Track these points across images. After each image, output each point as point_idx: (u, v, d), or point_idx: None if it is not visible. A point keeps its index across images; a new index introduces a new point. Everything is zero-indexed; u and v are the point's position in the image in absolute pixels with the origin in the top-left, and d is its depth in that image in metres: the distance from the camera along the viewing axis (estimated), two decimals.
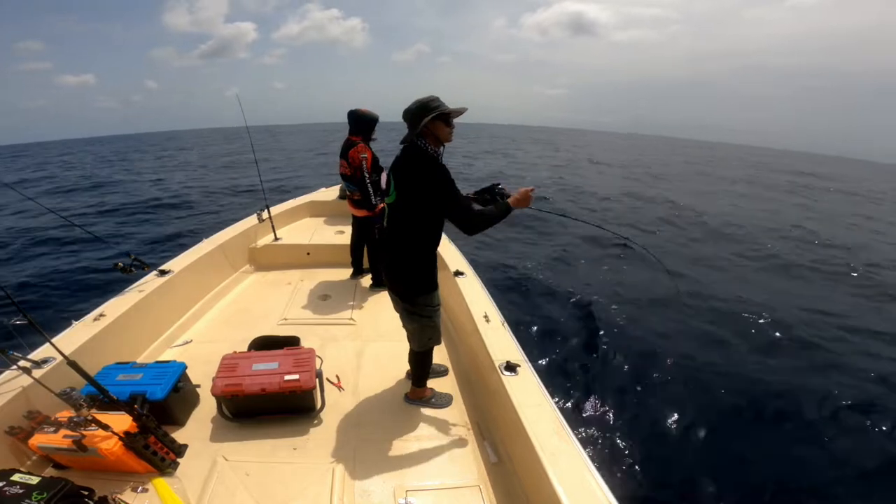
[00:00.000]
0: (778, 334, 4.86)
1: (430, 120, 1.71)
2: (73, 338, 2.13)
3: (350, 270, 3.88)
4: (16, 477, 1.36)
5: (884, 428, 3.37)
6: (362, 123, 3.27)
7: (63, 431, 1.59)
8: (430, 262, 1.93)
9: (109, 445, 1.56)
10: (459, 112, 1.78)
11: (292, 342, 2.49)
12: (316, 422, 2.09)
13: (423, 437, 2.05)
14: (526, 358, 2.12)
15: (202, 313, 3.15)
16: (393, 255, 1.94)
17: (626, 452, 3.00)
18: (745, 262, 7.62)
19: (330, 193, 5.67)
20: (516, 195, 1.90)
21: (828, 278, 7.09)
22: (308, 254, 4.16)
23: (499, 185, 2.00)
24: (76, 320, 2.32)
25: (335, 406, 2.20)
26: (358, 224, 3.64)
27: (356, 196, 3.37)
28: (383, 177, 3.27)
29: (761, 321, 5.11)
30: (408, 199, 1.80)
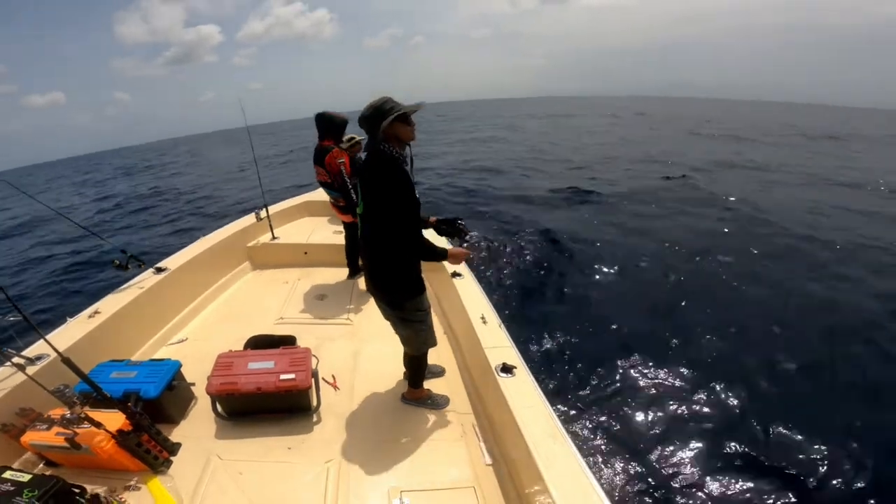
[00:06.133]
0: (786, 331, 4.84)
1: (388, 123, 1.67)
2: (68, 334, 2.12)
3: (347, 271, 3.87)
4: (7, 474, 1.35)
5: None
6: (333, 127, 3.13)
7: (56, 429, 1.58)
8: (413, 265, 1.89)
9: (102, 443, 1.55)
10: (416, 109, 1.73)
11: (288, 341, 2.49)
12: (311, 422, 2.09)
13: (418, 437, 2.04)
14: (522, 360, 2.12)
15: (198, 311, 3.14)
16: (372, 263, 1.90)
17: (622, 456, 3.00)
18: None
19: None
20: (455, 251, 1.94)
21: None
22: (305, 253, 4.15)
23: (460, 220, 2.13)
24: (71, 317, 2.30)
25: (331, 406, 2.20)
26: (348, 228, 3.60)
27: (341, 202, 3.29)
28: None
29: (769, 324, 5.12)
30: (376, 205, 1.76)
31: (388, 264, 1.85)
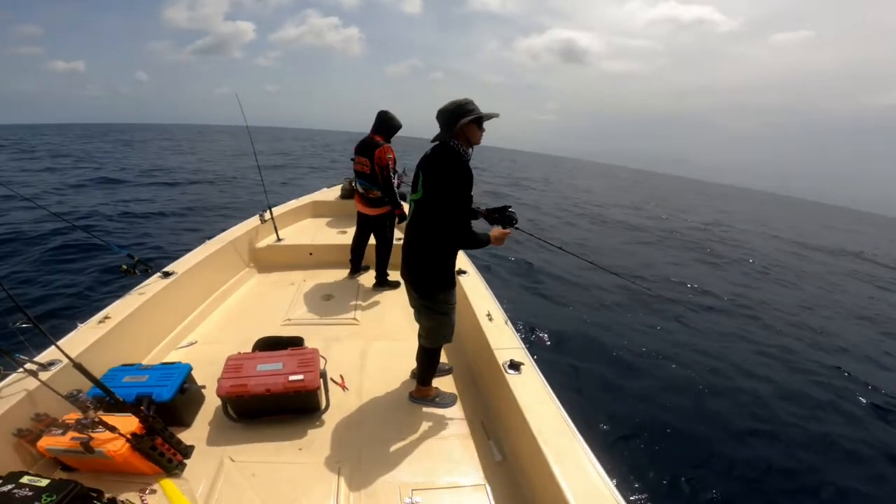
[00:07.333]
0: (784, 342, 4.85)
1: (467, 122, 1.76)
2: (79, 340, 2.14)
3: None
4: (25, 479, 1.36)
5: None
6: (388, 125, 3.34)
7: (70, 433, 1.60)
8: (452, 259, 1.96)
9: (117, 447, 1.56)
10: (492, 116, 1.84)
11: (296, 342, 2.50)
12: (320, 422, 2.10)
13: (427, 435, 2.05)
14: (529, 356, 2.13)
15: (206, 314, 3.16)
16: (416, 250, 1.96)
17: (632, 449, 3.01)
18: None
19: (331, 193, 5.67)
20: (496, 233, 2.00)
21: None
22: (311, 254, 4.16)
23: (509, 207, 2.13)
24: (81, 323, 2.32)
25: (340, 406, 2.21)
26: (368, 222, 3.64)
27: (372, 194, 3.40)
28: (395, 178, 3.32)
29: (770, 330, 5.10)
30: (434, 195, 1.83)
31: (430, 254, 1.91)
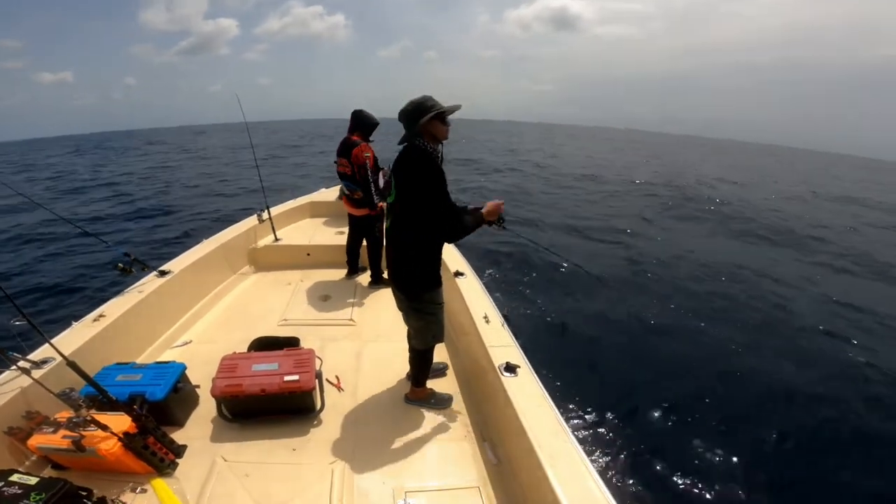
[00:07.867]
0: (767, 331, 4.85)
1: (427, 120, 1.74)
2: (73, 338, 2.13)
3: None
4: (14, 477, 1.35)
5: None
6: (364, 124, 3.34)
7: (62, 432, 1.59)
8: (435, 258, 1.95)
9: (108, 446, 1.55)
10: (454, 109, 1.82)
11: (292, 343, 2.49)
12: (315, 422, 2.09)
13: (422, 437, 2.04)
14: (526, 359, 2.12)
15: (202, 314, 3.15)
16: (397, 252, 1.95)
17: (626, 453, 3.00)
18: None
19: (330, 194, 5.67)
20: (489, 207, 1.97)
21: None
22: (308, 254, 4.16)
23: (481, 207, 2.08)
24: (76, 321, 2.31)
25: (335, 407, 2.20)
26: (357, 223, 3.65)
27: (356, 195, 3.40)
28: (381, 176, 3.30)
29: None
30: (407, 196, 1.82)
31: (411, 255, 1.89)
